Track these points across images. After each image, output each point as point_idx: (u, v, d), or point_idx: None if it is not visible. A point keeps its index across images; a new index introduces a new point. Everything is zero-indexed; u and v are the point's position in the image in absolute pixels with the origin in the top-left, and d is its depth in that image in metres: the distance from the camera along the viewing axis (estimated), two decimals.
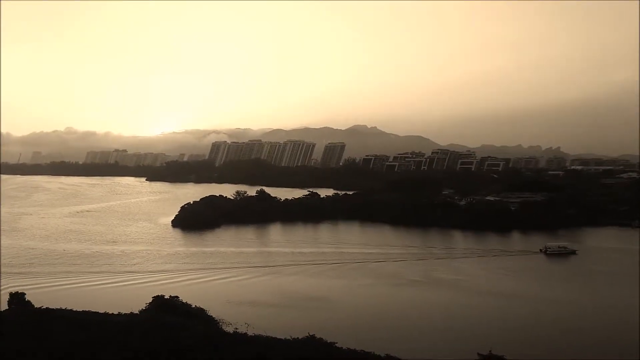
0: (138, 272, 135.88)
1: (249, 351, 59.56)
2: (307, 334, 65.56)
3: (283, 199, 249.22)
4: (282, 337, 66.68)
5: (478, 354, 63.55)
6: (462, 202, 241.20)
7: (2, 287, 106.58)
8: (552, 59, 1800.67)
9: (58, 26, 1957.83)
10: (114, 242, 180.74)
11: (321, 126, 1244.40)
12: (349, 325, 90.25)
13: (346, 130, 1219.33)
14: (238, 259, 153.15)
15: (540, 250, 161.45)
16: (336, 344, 63.37)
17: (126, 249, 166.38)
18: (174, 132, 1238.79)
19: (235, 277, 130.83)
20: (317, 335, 64.86)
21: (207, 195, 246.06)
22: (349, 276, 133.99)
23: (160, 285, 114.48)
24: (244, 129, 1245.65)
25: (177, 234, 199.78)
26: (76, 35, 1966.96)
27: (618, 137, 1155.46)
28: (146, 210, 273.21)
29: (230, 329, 75.25)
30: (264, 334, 69.65)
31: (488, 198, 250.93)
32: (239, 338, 67.43)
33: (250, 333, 70.69)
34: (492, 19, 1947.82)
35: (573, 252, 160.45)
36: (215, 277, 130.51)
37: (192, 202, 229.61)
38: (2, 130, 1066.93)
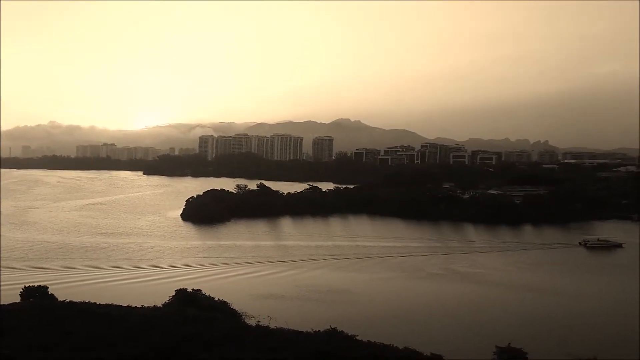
0: (158, 266, 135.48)
1: (271, 344, 60.34)
2: (329, 327, 66.31)
3: (286, 192, 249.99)
4: (304, 330, 67.62)
5: (496, 346, 64.09)
6: (465, 196, 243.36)
7: (23, 281, 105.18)
8: (532, 52, 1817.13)
9: (39, 23, 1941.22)
10: (126, 235, 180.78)
11: (304, 120, 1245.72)
12: (370, 318, 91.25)
13: (330, 124, 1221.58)
14: (256, 252, 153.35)
15: (580, 243, 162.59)
16: (356, 337, 64.11)
17: (142, 243, 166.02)
18: (158, 126, 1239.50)
19: (256, 271, 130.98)
20: (339, 328, 65.58)
21: (209, 189, 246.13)
22: (369, 269, 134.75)
23: (181, 279, 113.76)
24: (228, 122, 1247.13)
25: (189, 227, 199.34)
26: (57, 32, 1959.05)
27: (609, 131, 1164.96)
28: (152, 203, 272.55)
29: (252, 322, 75.71)
30: (286, 326, 70.48)
31: (490, 191, 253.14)
32: (262, 331, 68.29)
33: (272, 326, 71.44)
34: (470, 13, 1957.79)
35: (619, 246, 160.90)
36: (236, 271, 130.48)
37: (196, 196, 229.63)
38: None
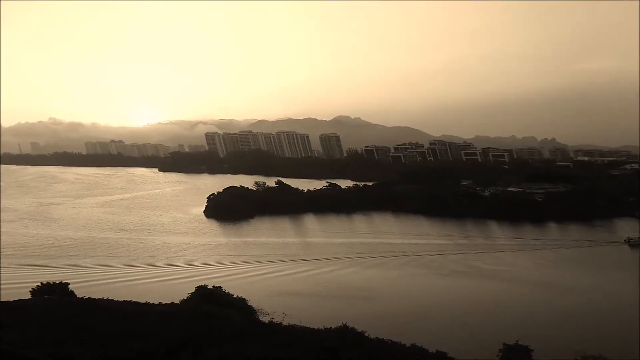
0: (182, 264, 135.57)
1: (281, 340, 61.09)
2: (341, 324, 66.64)
3: (306, 190, 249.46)
4: (316, 327, 68.26)
5: (504, 344, 65.49)
6: (486, 193, 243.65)
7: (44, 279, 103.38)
8: (527, 48, 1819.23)
9: (34, 21, 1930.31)
10: (149, 231, 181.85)
11: (304, 117, 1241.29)
12: (385, 316, 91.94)
13: (330, 120, 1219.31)
14: (282, 250, 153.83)
15: (625, 241, 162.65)
16: (366, 333, 64.74)
17: (166, 240, 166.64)
18: (159, 123, 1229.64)
19: (280, 269, 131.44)
20: (353, 325, 65.86)
21: (229, 185, 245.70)
22: (393, 267, 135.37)
23: (205, 277, 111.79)
24: (229, 119, 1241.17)
25: (212, 224, 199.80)
26: (50, 30, 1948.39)
27: (610, 128, 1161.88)
28: (173, 200, 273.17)
29: (266, 319, 76.93)
30: (298, 323, 71.11)
31: (510, 189, 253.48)
32: (274, 327, 69.32)
33: (285, 323, 72.25)
34: (463, 9, 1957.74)
35: None
36: (260, 269, 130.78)
37: (216, 193, 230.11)
38: None
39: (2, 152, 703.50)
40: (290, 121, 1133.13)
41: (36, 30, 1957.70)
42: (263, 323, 73.28)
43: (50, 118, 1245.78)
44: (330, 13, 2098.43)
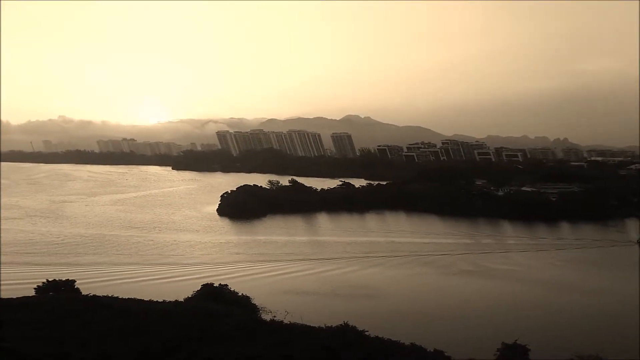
0: (192, 263, 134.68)
1: (280, 338, 61.20)
2: (342, 323, 66.42)
3: (319, 188, 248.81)
4: (317, 325, 67.89)
5: (502, 343, 65.20)
6: (500, 193, 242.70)
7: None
8: (527, 47, 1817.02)
9: (36, 20, 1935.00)
10: (159, 229, 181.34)
11: (314, 116, 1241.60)
12: (388, 314, 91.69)
13: (340, 120, 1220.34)
14: (292, 249, 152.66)
15: (638, 241, 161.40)
16: (367, 332, 64.49)
17: (177, 238, 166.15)
18: (170, 122, 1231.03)
19: (289, 268, 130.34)
20: (355, 324, 65.59)
21: (242, 184, 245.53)
22: (402, 266, 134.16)
23: (213, 276, 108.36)
24: (239, 118, 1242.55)
25: (225, 222, 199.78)
26: (55, 29, 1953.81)
27: (618, 128, 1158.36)
28: (186, 198, 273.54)
29: (268, 317, 76.59)
30: (300, 321, 70.82)
31: (524, 189, 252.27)
32: (275, 326, 69.31)
33: (286, 321, 71.86)
34: (470, 6, 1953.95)
35: None
36: (269, 268, 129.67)
37: (229, 192, 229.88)
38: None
39: (14, 149, 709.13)
40: (300, 120, 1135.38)
41: (40, 28, 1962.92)
42: (264, 321, 73.18)
43: (59, 116, 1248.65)
44: (339, 12, 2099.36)
